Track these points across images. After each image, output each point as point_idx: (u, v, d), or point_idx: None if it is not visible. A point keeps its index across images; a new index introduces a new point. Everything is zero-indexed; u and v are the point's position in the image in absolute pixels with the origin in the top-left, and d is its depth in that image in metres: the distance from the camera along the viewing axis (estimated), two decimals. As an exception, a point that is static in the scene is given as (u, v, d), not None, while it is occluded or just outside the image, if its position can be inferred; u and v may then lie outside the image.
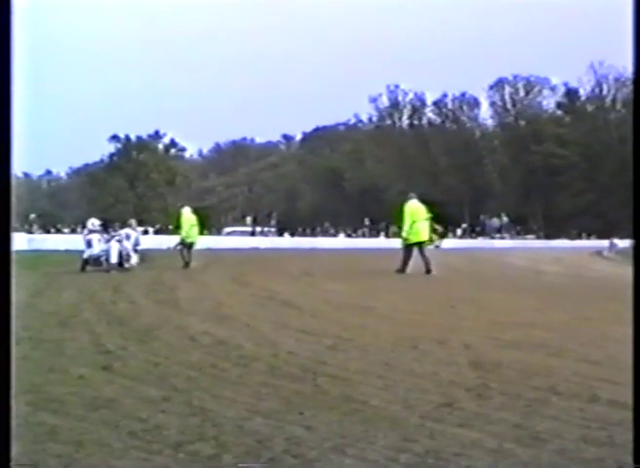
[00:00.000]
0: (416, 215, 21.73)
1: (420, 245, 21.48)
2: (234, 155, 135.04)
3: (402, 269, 21.12)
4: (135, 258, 22.57)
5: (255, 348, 7.99)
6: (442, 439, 4.65)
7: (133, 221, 26.11)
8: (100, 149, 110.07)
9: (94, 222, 22.90)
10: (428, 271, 20.80)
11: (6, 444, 3.21)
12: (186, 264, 23.70)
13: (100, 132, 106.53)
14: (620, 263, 36.69)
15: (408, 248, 21.52)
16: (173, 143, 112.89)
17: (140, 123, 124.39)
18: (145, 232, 59.84)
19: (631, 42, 3.05)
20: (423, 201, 22.43)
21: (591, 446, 4.52)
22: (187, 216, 25.34)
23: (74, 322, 10.01)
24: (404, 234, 21.71)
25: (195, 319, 10.45)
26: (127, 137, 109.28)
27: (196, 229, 25.21)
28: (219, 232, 78.09)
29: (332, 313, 11.64)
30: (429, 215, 22.27)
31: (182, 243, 24.78)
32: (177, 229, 25.42)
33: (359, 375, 6.59)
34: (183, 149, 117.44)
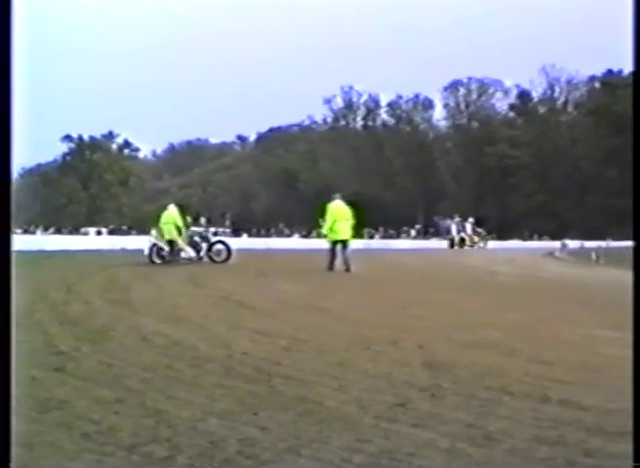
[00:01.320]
0: (336, 215, 22.26)
1: (343, 243, 21.97)
2: (188, 156, 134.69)
3: (329, 268, 21.67)
4: None
5: (209, 349, 7.97)
6: (396, 439, 4.67)
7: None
8: (53, 149, 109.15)
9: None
10: (347, 270, 21.33)
11: (6, 444, 3.20)
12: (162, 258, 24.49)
13: (53, 132, 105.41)
14: (571, 264, 37.12)
15: (332, 247, 22.06)
16: (126, 144, 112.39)
17: (94, 123, 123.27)
18: (99, 233, 59.44)
19: (631, 42, 3.08)
20: (350, 202, 23.20)
21: (543, 445, 4.56)
22: (168, 214, 25.15)
23: (28, 323, 9.92)
24: (324, 232, 22.55)
25: (149, 320, 10.39)
26: (80, 138, 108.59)
27: (175, 228, 24.97)
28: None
29: (286, 314, 11.64)
30: (350, 216, 22.75)
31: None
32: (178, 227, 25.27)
33: (314, 376, 6.59)
34: (137, 150, 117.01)
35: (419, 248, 56.88)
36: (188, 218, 26.29)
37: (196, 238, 25.24)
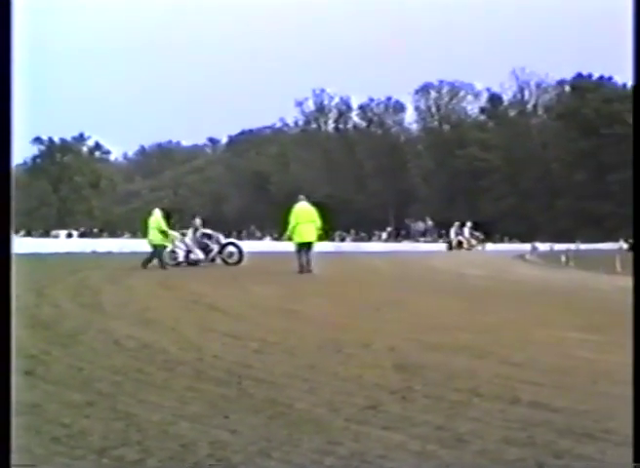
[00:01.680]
0: (299, 218, 22.42)
1: (307, 245, 22.19)
2: (160, 158, 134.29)
3: (300, 270, 21.80)
4: None
5: (180, 352, 7.96)
6: (367, 441, 4.68)
7: None
8: (23, 152, 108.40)
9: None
10: (308, 271, 21.69)
11: (6, 444, 3.19)
12: (146, 263, 24.13)
13: (23, 134, 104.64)
14: (541, 266, 37.29)
15: (298, 249, 22.27)
16: (97, 146, 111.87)
17: (64, 126, 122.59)
18: (69, 236, 59.12)
19: (631, 43, 3.10)
20: (318, 204, 23.68)
21: (513, 446, 4.58)
22: (154, 219, 24.91)
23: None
24: (288, 234, 22.78)
25: (120, 323, 10.35)
26: (50, 140, 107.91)
27: (160, 232, 24.67)
28: (144, 235, 77.34)
29: (257, 316, 11.63)
30: (315, 218, 22.91)
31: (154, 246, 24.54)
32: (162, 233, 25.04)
33: (284, 379, 6.60)
34: (108, 152, 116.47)
35: (390, 250, 57.00)
36: (198, 221, 26.19)
37: (206, 240, 25.23)
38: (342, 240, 71.32)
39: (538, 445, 4.62)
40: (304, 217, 22.31)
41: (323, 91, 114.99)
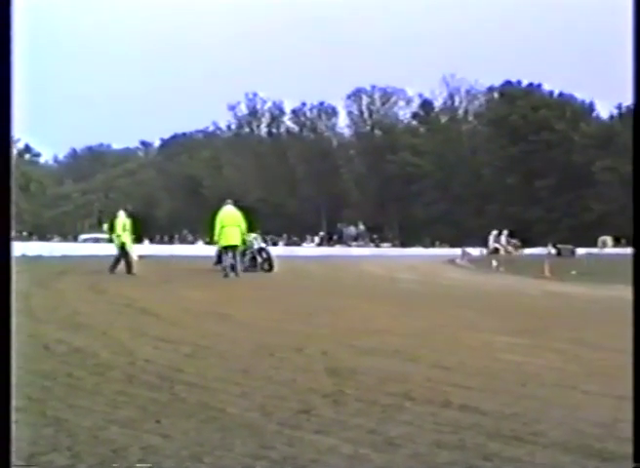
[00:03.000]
0: (224, 221, 22.96)
1: (233, 248, 22.62)
2: (91, 161, 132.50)
3: (225, 274, 22.21)
4: None
5: (111, 356, 7.88)
6: (299, 445, 4.69)
7: None
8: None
9: None
10: (235, 274, 22.26)
11: (6, 444, 3.14)
12: (129, 268, 23.46)
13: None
14: (472, 271, 37.67)
15: (224, 252, 22.82)
16: (27, 149, 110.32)
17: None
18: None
19: (631, 43, 3.13)
20: (241, 207, 24.13)
21: (444, 450, 4.63)
22: (121, 220, 24.53)
23: None
24: (215, 238, 23.32)
25: (50, 327, 10.23)
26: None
27: (128, 234, 24.29)
28: (75, 239, 76.43)
29: (190, 321, 11.59)
30: (240, 222, 23.35)
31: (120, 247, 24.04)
32: (110, 233, 24.63)
33: (217, 383, 6.58)
34: (38, 155, 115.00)
35: (323, 255, 57.06)
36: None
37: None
38: (275, 244, 71.18)
39: (468, 448, 4.68)
40: (230, 221, 22.59)
41: (256, 95, 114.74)
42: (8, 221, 2.96)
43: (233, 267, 22.13)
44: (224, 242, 22.54)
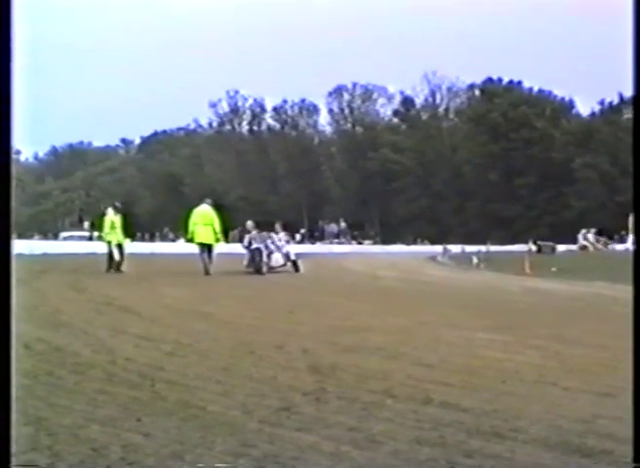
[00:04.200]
0: (196, 220, 23.30)
1: (208, 247, 22.91)
2: (71, 159, 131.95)
3: (205, 272, 22.38)
4: None
5: (91, 355, 7.87)
6: (280, 443, 4.69)
7: None
8: None
9: None
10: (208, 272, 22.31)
11: (6, 444, 3.12)
12: (117, 266, 23.44)
13: None
14: (453, 268, 37.73)
15: (200, 251, 22.93)
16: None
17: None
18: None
19: (631, 44, 3.13)
20: (217, 207, 24.25)
21: (425, 446, 4.64)
22: (110, 217, 24.35)
23: None
24: (188, 237, 23.61)
25: (29, 326, 10.17)
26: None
27: (119, 231, 24.09)
28: (55, 237, 76.16)
29: (171, 319, 11.57)
30: (213, 220, 23.39)
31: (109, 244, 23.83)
32: (100, 231, 24.44)
33: (197, 381, 6.58)
34: (18, 152, 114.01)
35: (304, 252, 57.06)
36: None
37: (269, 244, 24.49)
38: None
39: (449, 444, 4.69)
40: (202, 220, 22.77)
41: (237, 92, 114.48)
42: (8, 221, 2.95)
43: (207, 266, 22.19)
44: (198, 240, 22.89)
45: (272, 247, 24.08)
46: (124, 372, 6.94)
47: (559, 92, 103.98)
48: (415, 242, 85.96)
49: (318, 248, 66.98)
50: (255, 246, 23.60)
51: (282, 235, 25.99)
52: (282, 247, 24.68)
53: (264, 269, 22.57)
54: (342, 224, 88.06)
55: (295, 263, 24.77)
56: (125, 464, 4.29)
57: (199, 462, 4.31)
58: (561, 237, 78.41)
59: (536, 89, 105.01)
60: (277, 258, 23.99)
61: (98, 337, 9.21)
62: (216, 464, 4.31)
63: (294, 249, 26.34)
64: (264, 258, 23.14)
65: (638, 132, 3.23)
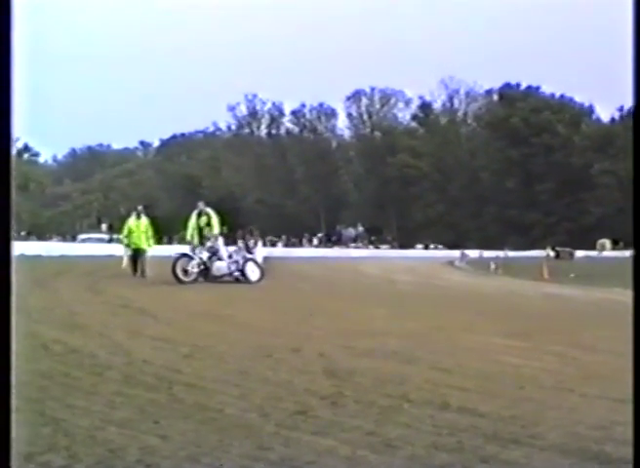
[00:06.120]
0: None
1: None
2: (90, 161, 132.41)
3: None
4: None
5: (109, 357, 7.87)
6: (297, 447, 4.68)
7: None
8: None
9: None
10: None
11: (6, 444, 3.12)
12: (142, 271, 22.61)
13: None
14: (471, 273, 37.64)
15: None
16: (26, 148, 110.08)
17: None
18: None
19: (631, 44, 3.12)
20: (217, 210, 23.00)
21: (442, 452, 4.62)
22: (128, 223, 24.00)
23: None
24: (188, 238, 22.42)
25: (47, 327, 10.21)
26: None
27: (144, 236, 23.50)
28: (73, 239, 76.46)
29: (188, 321, 11.58)
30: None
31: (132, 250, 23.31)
32: (126, 237, 23.92)
33: (215, 384, 6.57)
34: (37, 154, 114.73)
35: (322, 256, 57.00)
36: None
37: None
38: (273, 245, 71.16)
39: (466, 450, 4.67)
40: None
41: (255, 96, 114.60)
42: (8, 220, 2.95)
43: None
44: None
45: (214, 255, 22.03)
46: (141, 375, 6.94)
47: (579, 97, 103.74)
48: (432, 247, 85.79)
49: (335, 252, 66.99)
50: (183, 252, 22.01)
51: (252, 242, 24.69)
52: (237, 255, 22.51)
53: (181, 276, 20.38)
54: (360, 229, 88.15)
55: (243, 273, 21.53)
56: (142, 466, 4.29)
57: (216, 465, 4.31)
58: (579, 243, 78.19)
59: (557, 94, 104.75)
60: (219, 267, 21.86)
61: (114, 339, 9.21)
62: (232, 467, 4.31)
63: (260, 254, 24.49)
64: (188, 267, 21.14)
65: (638, 132, 3.21)
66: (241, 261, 21.50)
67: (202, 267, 20.60)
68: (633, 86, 3.25)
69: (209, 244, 21.24)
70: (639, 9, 3.21)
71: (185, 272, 20.06)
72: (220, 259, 21.12)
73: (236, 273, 21.26)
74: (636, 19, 3.20)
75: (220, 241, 21.26)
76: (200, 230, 21.70)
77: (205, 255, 20.82)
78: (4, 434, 3.10)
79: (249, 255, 22.16)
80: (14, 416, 5.27)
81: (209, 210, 22.34)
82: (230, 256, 21.43)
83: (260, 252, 24.41)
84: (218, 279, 20.69)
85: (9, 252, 2.99)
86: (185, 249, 21.58)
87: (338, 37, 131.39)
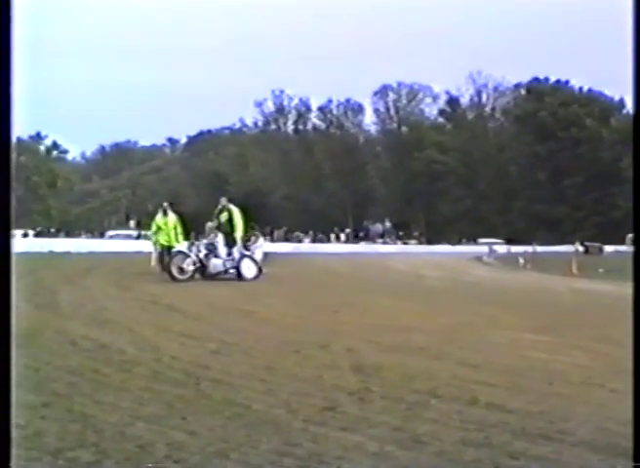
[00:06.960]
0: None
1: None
2: (118, 158, 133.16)
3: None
4: None
5: (137, 353, 7.90)
6: (325, 442, 4.68)
7: None
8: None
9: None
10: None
11: (6, 444, 3.14)
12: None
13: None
14: (499, 269, 37.51)
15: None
16: (55, 145, 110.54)
17: (21, 124, 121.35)
18: (25, 235, 58.57)
19: (631, 43, 3.10)
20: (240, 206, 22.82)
21: (470, 447, 4.61)
22: (155, 221, 23.65)
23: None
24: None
25: (76, 323, 10.27)
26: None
27: (173, 233, 23.01)
28: (101, 235, 76.89)
29: (215, 317, 11.61)
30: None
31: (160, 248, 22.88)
32: (154, 235, 23.52)
33: (242, 380, 6.58)
34: (66, 151, 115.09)
35: (349, 252, 56.97)
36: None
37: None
38: (300, 241, 71.22)
39: (494, 446, 4.65)
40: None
41: (282, 92, 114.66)
42: (8, 220, 2.96)
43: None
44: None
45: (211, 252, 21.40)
46: (169, 371, 6.97)
47: (609, 91, 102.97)
48: (460, 242, 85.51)
49: (363, 248, 66.93)
50: (179, 248, 21.49)
51: (252, 238, 24.28)
52: (232, 252, 21.92)
53: (176, 274, 19.48)
54: (387, 224, 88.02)
55: (238, 270, 20.83)
56: (171, 462, 4.30)
57: (244, 461, 4.31)
58: (609, 238, 77.67)
59: (585, 88, 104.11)
60: (215, 264, 21.33)
61: (143, 335, 9.25)
62: (259, 463, 4.31)
63: (259, 251, 23.94)
64: (184, 264, 20.44)
65: (638, 132, 3.17)
66: (237, 258, 20.97)
67: (198, 265, 20.07)
68: (633, 86, 3.22)
69: (206, 241, 20.90)
70: (639, 9, 3.17)
71: (181, 270, 19.54)
72: (216, 257, 20.60)
73: (231, 270, 20.75)
74: (636, 19, 3.17)
75: (220, 237, 20.84)
76: (219, 227, 21.38)
77: (202, 253, 20.30)
78: (4, 434, 3.11)
79: (246, 252, 21.66)
80: (42, 412, 5.34)
81: (231, 206, 21.82)
82: (230, 254, 20.90)
83: (260, 248, 24.00)
84: (214, 277, 20.19)
85: (9, 251, 2.99)
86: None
87: (365, 33, 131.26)
